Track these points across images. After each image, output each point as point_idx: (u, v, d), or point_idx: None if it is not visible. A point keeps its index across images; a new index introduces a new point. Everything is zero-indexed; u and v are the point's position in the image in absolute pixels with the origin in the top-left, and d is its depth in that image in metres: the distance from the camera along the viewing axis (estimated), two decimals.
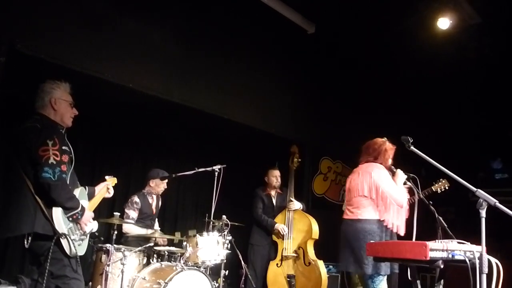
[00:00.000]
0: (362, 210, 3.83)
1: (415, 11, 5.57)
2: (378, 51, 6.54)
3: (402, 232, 3.76)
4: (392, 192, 3.72)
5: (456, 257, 2.70)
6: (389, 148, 3.93)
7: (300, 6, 5.89)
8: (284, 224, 5.32)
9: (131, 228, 4.86)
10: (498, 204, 2.43)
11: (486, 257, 2.50)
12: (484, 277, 2.47)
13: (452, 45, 5.92)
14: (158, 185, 5.11)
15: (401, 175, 3.84)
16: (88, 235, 3.14)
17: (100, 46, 4.50)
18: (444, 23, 5.59)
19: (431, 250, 2.61)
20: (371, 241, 3.57)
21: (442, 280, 3.28)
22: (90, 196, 3.39)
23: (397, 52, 6.33)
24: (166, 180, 5.12)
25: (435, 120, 6.87)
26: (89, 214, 3.09)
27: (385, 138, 3.97)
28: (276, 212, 5.48)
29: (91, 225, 3.12)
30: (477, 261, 2.51)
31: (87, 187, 3.37)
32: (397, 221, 3.75)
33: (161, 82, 5.04)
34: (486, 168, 7.29)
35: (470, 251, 2.70)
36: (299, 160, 5.66)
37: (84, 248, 3.09)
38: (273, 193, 5.59)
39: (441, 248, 2.67)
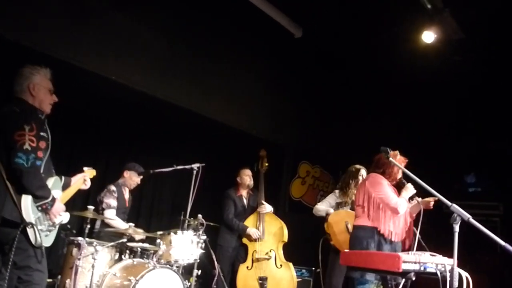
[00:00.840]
0: (358, 218, 3.85)
1: (402, 22, 5.64)
2: (363, 59, 6.61)
3: (393, 238, 3.70)
4: (385, 199, 3.69)
5: (428, 270, 2.75)
6: (399, 161, 3.79)
7: (289, 10, 5.90)
8: (256, 227, 5.30)
9: (113, 217, 4.71)
10: (471, 220, 2.47)
11: (457, 270, 2.53)
12: None
13: (435, 58, 6.01)
14: (132, 178, 5.02)
15: (410, 189, 3.77)
16: (57, 227, 3.06)
17: (84, 36, 4.43)
18: (428, 36, 5.67)
19: (404, 262, 2.64)
20: (363, 247, 3.63)
21: None
22: (65, 186, 3.32)
23: (382, 60, 6.40)
24: (141, 177, 5.06)
25: (416, 129, 6.96)
26: (59, 205, 3.01)
27: (397, 151, 3.83)
28: (247, 213, 5.46)
29: (61, 217, 3.05)
30: (448, 274, 2.55)
31: (63, 177, 3.30)
32: (392, 228, 3.70)
33: (144, 76, 4.98)
34: (461, 180, 7.42)
35: (441, 264, 2.74)
36: (267, 164, 5.65)
37: (51, 239, 3.02)
38: (244, 194, 5.57)
39: (413, 261, 2.71)
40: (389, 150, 3.06)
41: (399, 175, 3.84)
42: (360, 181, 4.83)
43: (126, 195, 5.05)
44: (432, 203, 3.83)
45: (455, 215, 2.48)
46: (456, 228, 2.47)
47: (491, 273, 6.12)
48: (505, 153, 6.97)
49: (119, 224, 4.73)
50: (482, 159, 7.17)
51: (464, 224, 2.52)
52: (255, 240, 5.26)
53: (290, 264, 5.24)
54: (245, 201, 5.55)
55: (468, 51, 6.03)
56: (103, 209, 4.75)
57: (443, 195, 2.80)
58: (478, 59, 6.12)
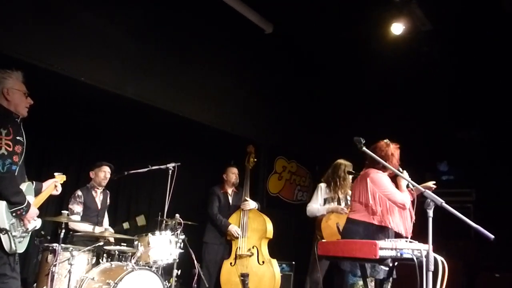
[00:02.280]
0: (353, 212, 3.78)
1: (372, 14, 5.71)
2: (335, 53, 6.67)
3: (405, 233, 3.57)
4: (391, 196, 3.59)
5: (405, 256, 2.79)
6: (392, 151, 3.73)
7: (258, 6, 5.91)
8: (239, 223, 5.29)
9: (78, 224, 4.60)
10: (444, 204, 2.52)
11: (432, 255, 2.58)
12: (430, 274, 2.55)
13: (404, 50, 6.10)
14: (98, 175, 4.89)
15: (406, 178, 3.60)
16: (30, 233, 3.02)
17: (51, 37, 4.34)
18: (397, 28, 5.76)
19: (381, 248, 2.68)
20: None
21: (390, 278, 3.36)
22: (37, 192, 3.28)
23: (353, 53, 6.47)
24: (103, 167, 4.93)
25: (388, 120, 7.05)
26: (34, 211, 2.97)
27: (387, 140, 3.81)
28: (231, 210, 5.45)
29: (35, 222, 3.01)
30: (424, 259, 2.60)
31: (34, 182, 3.25)
32: (401, 223, 3.60)
33: (115, 76, 4.91)
34: (434, 169, 7.56)
35: (417, 250, 2.80)
36: (255, 160, 5.65)
37: (24, 245, 2.97)
38: (229, 191, 5.57)
39: (390, 247, 2.75)
40: (362, 140, 3.07)
41: (397, 164, 3.72)
42: (343, 174, 4.86)
43: (97, 197, 4.94)
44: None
45: (429, 200, 2.53)
46: (430, 213, 2.52)
47: (466, 258, 6.27)
48: (474, 141, 7.15)
49: (85, 227, 4.63)
50: (453, 148, 7.33)
51: (439, 211, 2.58)
52: (237, 237, 5.25)
53: (274, 260, 5.22)
54: (229, 198, 5.54)
55: (437, 42, 6.14)
56: (68, 215, 4.65)
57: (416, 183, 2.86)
58: (446, 49, 6.25)
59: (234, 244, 5.29)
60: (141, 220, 4.89)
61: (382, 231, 3.60)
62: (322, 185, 5.00)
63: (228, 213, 5.43)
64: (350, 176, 4.90)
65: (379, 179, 3.67)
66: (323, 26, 6.09)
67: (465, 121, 7.15)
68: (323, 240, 3.21)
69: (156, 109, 5.39)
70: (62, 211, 3.94)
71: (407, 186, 3.67)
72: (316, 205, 4.92)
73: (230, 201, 5.54)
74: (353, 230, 3.69)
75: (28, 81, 3.10)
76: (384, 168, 3.68)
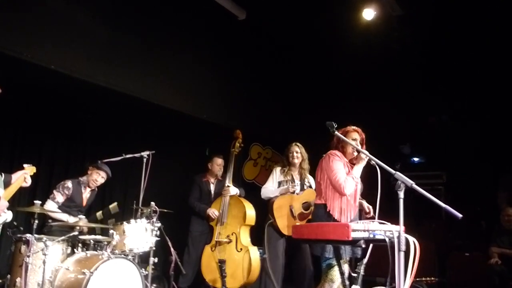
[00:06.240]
0: (317, 196, 3.84)
1: (343, 0, 5.75)
2: (308, 39, 6.68)
3: (343, 220, 3.58)
4: (333, 178, 3.64)
5: (377, 237, 2.85)
6: (342, 135, 3.61)
7: None
8: (219, 210, 5.30)
9: (52, 208, 4.49)
10: (414, 186, 2.58)
11: (404, 236, 2.65)
12: (402, 254, 2.62)
13: (376, 35, 6.16)
14: (92, 175, 4.80)
15: (363, 160, 3.64)
16: (1, 226, 2.96)
17: (18, 24, 4.22)
18: (369, 13, 5.81)
19: (353, 230, 2.73)
20: None
21: (363, 259, 3.43)
22: (6, 184, 3.21)
23: (326, 40, 6.50)
24: (102, 172, 4.85)
25: (361, 106, 7.13)
26: (3, 203, 2.92)
27: (352, 127, 3.84)
28: (213, 198, 5.47)
29: (5, 215, 2.96)
30: (396, 240, 2.66)
31: (3, 174, 3.18)
32: (339, 207, 3.63)
33: (86, 64, 4.82)
34: (406, 153, 7.72)
35: (389, 231, 2.85)
36: (242, 145, 5.57)
37: None
38: (212, 180, 5.58)
39: (362, 229, 2.80)
40: (334, 125, 3.11)
41: (355, 152, 3.71)
42: (294, 157, 4.92)
43: (85, 194, 4.84)
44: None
45: (399, 182, 2.59)
46: (401, 194, 2.57)
47: (437, 238, 6.46)
48: (445, 125, 7.32)
49: (61, 216, 4.55)
50: (425, 132, 7.49)
51: (412, 194, 2.63)
52: (217, 223, 5.25)
53: (254, 248, 5.17)
54: (212, 186, 5.57)
55: (407, 27, 6.22)
56: (48, 199, 4.56)
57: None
58: (417, 35, 6.33)
59: (215, 230, 5.29)
60: (114, 208, 4.84)
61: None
62: (277, 168, 5.06)
63: (210, 201, 5.45)
64: (298, 158, 4.94)
65: (330, 159, 3.73)
66: (295, 12, 6.09)
67: (436, 106, 7.30)
68: (297, 224, 3.24)
69: (129, 97, 5.32)
70: (35, 201, 3.86)
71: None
72: (271, 188, 4.96)
73: (212, 189, 5.57)
74: (318, 214, 3.75)
75: None
76: (341, 152, 3.75)
